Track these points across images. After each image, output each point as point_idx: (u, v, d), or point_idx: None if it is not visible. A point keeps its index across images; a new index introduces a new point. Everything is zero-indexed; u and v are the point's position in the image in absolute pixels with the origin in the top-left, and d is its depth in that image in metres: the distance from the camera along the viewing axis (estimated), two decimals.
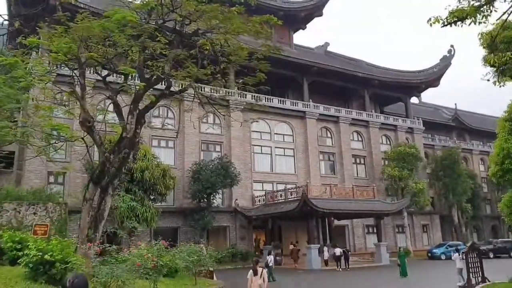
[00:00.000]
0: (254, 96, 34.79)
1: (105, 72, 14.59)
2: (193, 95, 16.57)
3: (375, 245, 30.87)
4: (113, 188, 13.43)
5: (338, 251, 26.05)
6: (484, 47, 11.06)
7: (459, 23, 5.66)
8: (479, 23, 5.61)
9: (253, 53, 14.22)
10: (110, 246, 12.13)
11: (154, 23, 12.51)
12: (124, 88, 15.96)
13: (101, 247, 12.63)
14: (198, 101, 16.41)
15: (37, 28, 12.49)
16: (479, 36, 6.22)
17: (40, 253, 9.17)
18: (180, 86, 15.73)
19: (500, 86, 8.71)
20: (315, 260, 25.81)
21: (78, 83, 11.80)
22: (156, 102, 14.85)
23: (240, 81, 16.43)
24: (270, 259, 19.81)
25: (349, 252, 27.45)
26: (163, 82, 15.18)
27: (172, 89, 14.88)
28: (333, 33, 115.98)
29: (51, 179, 26.40)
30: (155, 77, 12.81)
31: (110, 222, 21.90)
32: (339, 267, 25.29)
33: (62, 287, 3.43)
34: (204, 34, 13.09)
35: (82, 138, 12.23)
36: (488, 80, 8.51)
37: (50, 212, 14.59)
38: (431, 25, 5.90)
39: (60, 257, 9.20)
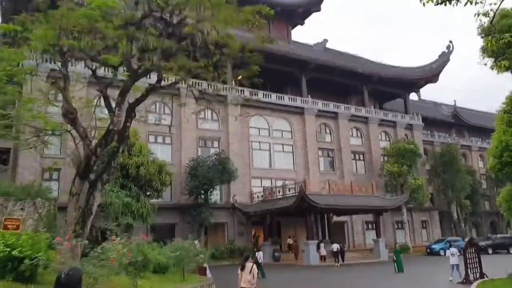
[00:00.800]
0: (252, 92, 34.60)
1: (95, 66, 14.39)
2: (193, 93, 16.38)
3: (373, 241, 30.68)
4: (102, 183, 13.22)
5: (335, 246, 26.20)
6: (480, 34, 10.78)
7: (453, 1, 5.40)
8: (476, 3, 5.35)
9: (247, 46, 13.98)
10: (96, 243, 11.72)
11: (142, 13, 12.24)
12: (114, 82, 15.77)
13: (88, 243, 12.35)
14: (192, 96, 16.21)
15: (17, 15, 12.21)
16: (476, 17, 5.96)
17: (8, 249, 8.66)
18: (176, 80, 15.44)
19: (497, 72, 8.45)
20: (313, 256, 25.64)
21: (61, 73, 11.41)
22: (147, 95, 14.61)
23: (234, 74, 16.18)
24: (260, 255, 19.63)
25: (345, 247, 27.50)
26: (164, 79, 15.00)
27: (165, 83, 14.63)
28: (333, 30, 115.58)
29: (46, 175, 26.14)
30: (142, 68, 12.49)
31: (104, 218, 21.74)
32: (337, 262, 25.45)
33: (57, 279, 3.43)
34: (194, 25, 12.80)
35: (69, 131, 11.95)
36: (485, 64, 8.27)
37: (39, 208, 14.35)
38: (424, 4, 5.64)
39: (30, 253, 8.66)
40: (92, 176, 12.67)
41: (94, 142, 13.32)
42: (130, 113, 14.26)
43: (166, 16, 12.27)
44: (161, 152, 29.58)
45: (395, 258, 20.66)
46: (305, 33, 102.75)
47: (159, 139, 30.55)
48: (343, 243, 27.89)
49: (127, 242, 10.85)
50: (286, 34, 44.91)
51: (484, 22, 12.27)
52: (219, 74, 14.80)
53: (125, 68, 13.04)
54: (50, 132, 14.27)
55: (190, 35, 15.01)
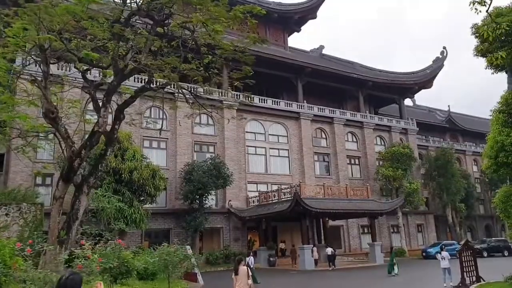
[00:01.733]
0: (246, 95, 34.48)
1: (84, 68, 14.20)
2: (186, 96, 16.21)
3: (369, 245, 30.54)
4: (88, 187, 12.96)
5: (329, 250, 26.27)
6: (474, 34, 10.72)
7: None
8: None
9: (240, 48, 13.90)
10: (80, 248, 11.09)
11: (130, 11, 12.09)
12: (106, 84, 15.59)
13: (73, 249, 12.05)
14: (186, 99, 16.06)
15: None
16: (471, 6, 5.86)
17: None
18: (166, 82, 15.27)
19: (493, 70, 8.35)
20: (308, 260, 25.44)
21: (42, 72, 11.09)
22: (136, 96, 14.45)
23: (227, 76, 16.06)
24: (250, 260, 19.40)
25: (335, 252, 27.69)
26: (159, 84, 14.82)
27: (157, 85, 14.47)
28: (330, 36, 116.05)
29: (38, 180, 25.84)
30: (129, 68, 12.31)
31: (96, 224, 21.48)
32: (331, 266, 25.52)
33: (58, 281, 3.44)
34: (183, 25, 12.64)
35: (54, 134, 11.72)
36: (477, 55, 8.16)
37: (24, 213, 14.09)
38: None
39: None
40: (78, 179, 12.42)
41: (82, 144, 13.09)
42: (119, 115, 14.08)
43: (153, 14, 12.08)
44: (156, 157, 29.39)
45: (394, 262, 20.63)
46: (302, 40, 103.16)
47: (154, 144, 30.36)
48: (333, 247, 27.88)
49: (103, 247, 10.38)
50: (282, 40, 45.07)
51: (477, 23, 12.31)
52: (210, 75, 14.64)
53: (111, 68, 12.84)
54: (34, 134, 13.99)
55: (180, 36, 14.92)
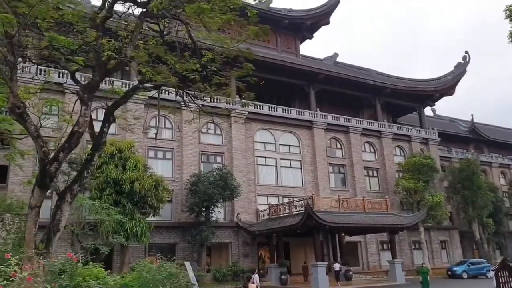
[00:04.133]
0: (257, 105, 33.19)
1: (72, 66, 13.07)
2: (189, 104, 14.96)
3: (389, 263, 28.29)
4: (72, 195, 11.58)
5: (337, 266, 25.14)
6: (509, 17, 9.11)
7: None
8: None
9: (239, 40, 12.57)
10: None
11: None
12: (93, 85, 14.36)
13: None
14: (183, 100, 14.77)
15: None
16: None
17: None
18: (162, 82, 13.94)
19: None
20: (322, 279, 23.43)
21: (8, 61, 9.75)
22: (127, 97, 13.17)
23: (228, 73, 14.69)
24: (255, 279, 17.74)
25: (349, 268, 26.79)
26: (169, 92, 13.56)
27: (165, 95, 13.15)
28: (344, 44, 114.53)
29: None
30: (112, 62, 11.01)
31: (92, 237, 20.19)
32: (338, 282, 24.57)
33: None
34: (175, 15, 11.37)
35: (36, 139, 10.35)
36: None
37: (7, 224, 12.81)
38: None
39: None
40: (56, 186, 11.06)
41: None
42: (108, 118, 12.81)
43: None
44: (162, 168, 28.19)
45: (421, 280, 18.75)
46: (316, 49, 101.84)
47: (159, 154, 29.14)
48: (347, 264, 26.42)
49: (50, 261, 8.63)
50: (294, 48, 43.71)
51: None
52: (207, 72, 13.28)
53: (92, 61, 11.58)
54: (9, 135, 12.77)
55: (173, 28, 13.64)
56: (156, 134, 14.98)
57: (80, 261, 11.05)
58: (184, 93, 14.15)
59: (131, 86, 25.64)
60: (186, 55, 13.08)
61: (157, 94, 14.60)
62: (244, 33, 13.41)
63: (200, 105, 14.44)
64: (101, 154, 22.31)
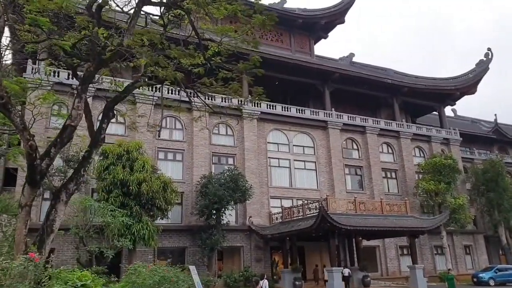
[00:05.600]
0: (270, 105, 32.33)
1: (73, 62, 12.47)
2: (194, 100, 14.28)
3: (409, 268, 26.85)
4: (67, 194, 10.90)
5: (346, 271, 24.11)
6: None
7: None
8: None
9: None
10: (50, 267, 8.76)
11: None
12: (96, 82, 13.78)
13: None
14: (188, 99, 14.04)
15: None
16: None
17: None
18: (164, 77, 13.22)
19: None
20: (337, 285, 22.26)
21: None
22: (127, 92, 12.48)
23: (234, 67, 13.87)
24: (264, 284, 16.73)
25: (369, 275, 25.99)
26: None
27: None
28: (360, 45, 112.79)
29: (46, 195, 24.34)
30: (108, 51, 10.32)
31: (98, 240, 19.59)
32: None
33: None
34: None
35: (22, 132, 9.65)
36: None
37: (4, 225, 12.21)
38: None
39: None
40: (45, 182, 10.38)
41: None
42: (108, 113, 12.14)
43: None
44: (172, 170, 27.58)
45: (447, 287, 17.51)
46: (330, 49, 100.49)
47: (170, 156, 28.50)
48: (350, 269, 25.65)
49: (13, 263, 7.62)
50: (308, 47, 42.69)
51: None
52: (211, 65, 12.52)
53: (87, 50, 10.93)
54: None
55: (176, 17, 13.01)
56: (159, 131, 14.32)
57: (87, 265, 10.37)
58: (190, 90, 13.44)
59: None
60: (191, 48, 12.40)
61: (166, 91, 13.92)
62: (252, 22, 12.60)
63: (205, 101, 13.65)
64: (122, 160, 21.87)
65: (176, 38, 13.08)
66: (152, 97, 24.97)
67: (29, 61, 24.26)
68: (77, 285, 7.27)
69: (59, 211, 11.05)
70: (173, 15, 13.46)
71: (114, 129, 26.67)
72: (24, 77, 26.37)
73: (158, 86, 27.23)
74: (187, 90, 13.40)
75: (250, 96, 29.11)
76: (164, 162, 27.76)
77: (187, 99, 23.86)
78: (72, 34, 11.51)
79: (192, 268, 14.48)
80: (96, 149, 11.98)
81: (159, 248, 24.71)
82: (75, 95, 11.61)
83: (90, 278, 7.95)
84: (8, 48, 11.90)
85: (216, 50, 12.71)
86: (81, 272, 8.17)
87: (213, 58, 12.59)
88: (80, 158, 12.28)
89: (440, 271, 32.54)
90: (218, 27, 12.45)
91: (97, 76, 14.47)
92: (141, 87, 25.27)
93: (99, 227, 19.79)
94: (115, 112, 12.55)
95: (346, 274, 23.96)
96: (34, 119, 11.08)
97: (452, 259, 35.13)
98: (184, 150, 28.65)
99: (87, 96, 11.74)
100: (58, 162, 21.05)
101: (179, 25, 14.46)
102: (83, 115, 11.45)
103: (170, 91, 27.13)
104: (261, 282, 16.80)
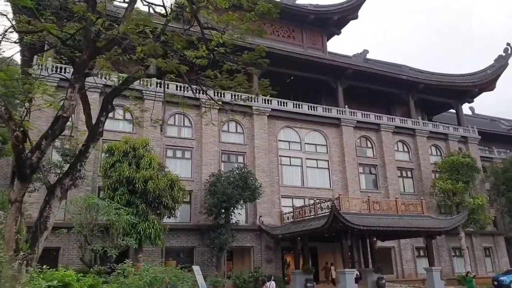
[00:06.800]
0: (280, 102, 31.62)
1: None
2: (204, 98, 13.71)
3: (426, 270, 25.77)
4: (63, 190, 10.34)
5: (355, 273, 23.37)
6: None
7: None
8: None
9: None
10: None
11: None
12: (94, 75, 13.27)
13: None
14: (192, 93, 13.41)
15: None
16: None
17: None
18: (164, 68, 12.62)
19: None
20: (350, 287, 21.37)
21: None
22: (127, 83, 11.91)
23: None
24: (272, 286, 15.95)
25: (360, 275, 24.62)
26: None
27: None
28: (373, 41, 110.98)
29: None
30: (103, 38, 9.73)
31: (102, 239, 19.15)
32: None
33: None
34: None
35: (7, 122, 9.11)
36: None
37: (0, 222, 11.71)
38: None
39: None
40: (31, 176, 9.81)
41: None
42: (106, 106, 11.55)
43: None
44: (180, 168, 27.08)
45: None
46: (343, 46, 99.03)
47: (178, 154, 27.99)
48: (364, 270, 24.99)
49: None
50: (321, 44, 41.77)
51: None
52: (214, 55, 11.86)
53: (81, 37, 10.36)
54: None
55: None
56: (161, 125, 13.70)
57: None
58: (195, 86, 12.83)
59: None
60: (194, 38, 11.81)
61: (175, 87, 13.31)
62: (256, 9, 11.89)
63: (207, 93, 12.99)
64: (128, 157, 21.41)
65: (179, 29, 12.52)
66: (154, 93, 24.47)
67: (35, 57, 24.09)
68: (54, 285, 6.67)
69: (53, 207, 10.47)
70: (176, 5, 12.89)
71: (121, 126, 26.32)
72: (25, 69, 26.22)
73: (167, 82, 26.98)
74: (191, 84, 12.81)
75: (257, 89, 28.58)
76: (173, 160, 27.29)
77: (193, 95, 23.41)
78: (71, 25, 11.03)
79: (196, 268, 13.82)
80: (93, 143, 11.41)
81: (167, 248, 24.19)
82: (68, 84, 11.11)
83: (74, 277, 7.35)
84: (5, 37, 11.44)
85: (221, 41, 12.08)
86: (64, 271, 7.56)
87: (216, 48, 11.96)
88: (77, 152, 11.71)
89: (459, 274, 31.30)
90: (222, 17, 11.83)
91: (101, 71, 13.98)
92: (149, 84, 25.06)
93: (104, 226, 19.36)
94: (117, 106, 12.01)
95: (355, 276, 23.11)
96: (28, 110, 10.55)
97: (471, 262, 33.82)
98: (193, 147, 28.12)
99: (87, 89, 11.24)
100: (56, 157, 20.67)
101: (182, 15, 13.89)
102: (82, 108, 10.96)
103: (178, 88, 26.69)
104: (268, 283, 16.01)
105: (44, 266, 10.50)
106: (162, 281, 9.14)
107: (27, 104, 10.81)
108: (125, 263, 10.13)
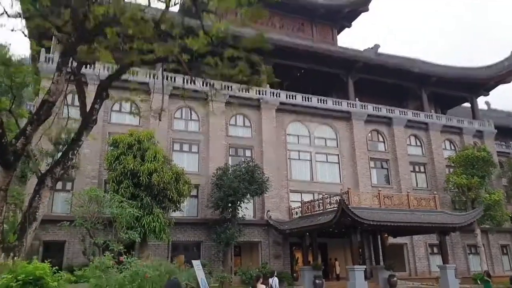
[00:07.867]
0: (289, 95, 31.02)
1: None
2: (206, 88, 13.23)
3: (439, 268, 24.93)
4: (53, 179, 9.97)
5: None
6: None
7: None
8: None
9: None
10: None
11: None
12: (88, 63, 12.92)
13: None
14: (191, 78, 12.93)
15: None
16: None
17: None
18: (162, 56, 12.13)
19: None
20: (360, 284, 20.70)
21: None
22: (122, 71, 11.47)
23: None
24: (274, 282, 15.37)
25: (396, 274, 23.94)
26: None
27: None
28: (384, 35, 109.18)
29: (58, 185, 23.89)
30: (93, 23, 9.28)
31: (105, 233, 18.88)
32: None
33: None
34: None
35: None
36: None
37: None
38: None
39: None
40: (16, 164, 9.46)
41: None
42: (101, 93, 11.21)
43: None
44: (187, 161, 26.76)
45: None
46: (355, 39, 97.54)
47: (185, 147, 27.64)
48: (374, 268, 24.55)
49: None
50: (331, 37, 41.01)
51: None
52: (213, 40, 11.34)
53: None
54: None
55: None
56: (160, 114, 13.27)
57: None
58: (199, 78, 12.38)
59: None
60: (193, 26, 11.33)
61: (181, 80, 12.88)
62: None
63: (207, 80, 12.48)
64: (133, 150, 21.09)
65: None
66: (154, 85, 24.08)
67: (43, 50, 23.97)
68: (22, 279, 6.22)
69: (43, 197, 10.13)
70: None
71: (128, 119, 26.04)
72: (30, 63, 26.02)
73: (172, 75, 26.58)
74: (191, 73, 12.34)
75: (258, 77, 27.98)
76: (180, 153, 26.98)
77: (196, 88, 22.86)
78: (67, 12, 10.65)
79: (196, 263, 13.31)
80: (87, 131, 11.05)
81: (173, 242, 23.88)
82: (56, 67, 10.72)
83: (48, 271, 6.88)
84: None
85: (222, 28, 11.57)
86: (37, 264, 7.12)
87: (215, 34, 11.45)
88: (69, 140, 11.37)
89: (474, 272, 30.31)
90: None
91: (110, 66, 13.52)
92: (155, 76, 24.69)
93: (107, 219, 19.09)
94: (110, 93, 11.64)
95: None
96: (15, 97, 10.24)
97: (488, 260, 32.75)
98: (200, 141, 27.75)
99: (81, 76, 10.87)
100: (49, 146, 20.13)
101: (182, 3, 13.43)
102: (72, 95, 10.59)
103: (184, 81, 26.37)
104: (270, 279, 15.37)
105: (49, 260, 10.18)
106: (144, 275, 8.61)
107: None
108: (104, 255, 9.67)
